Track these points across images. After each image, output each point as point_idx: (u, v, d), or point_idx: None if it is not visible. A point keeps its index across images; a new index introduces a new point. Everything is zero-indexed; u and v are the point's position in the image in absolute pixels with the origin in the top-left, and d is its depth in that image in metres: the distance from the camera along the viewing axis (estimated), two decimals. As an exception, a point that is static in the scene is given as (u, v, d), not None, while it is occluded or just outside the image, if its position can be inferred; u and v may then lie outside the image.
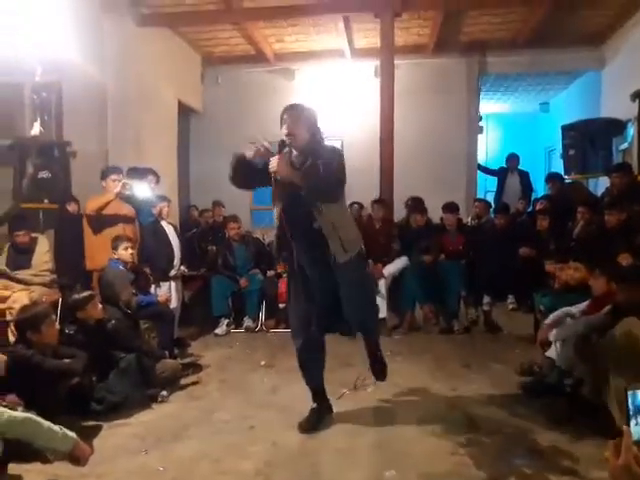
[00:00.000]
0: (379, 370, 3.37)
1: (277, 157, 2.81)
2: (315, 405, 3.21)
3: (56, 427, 2.31)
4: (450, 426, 3.13)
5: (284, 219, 2.93)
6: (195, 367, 4.35)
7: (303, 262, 2.97)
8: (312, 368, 3.20)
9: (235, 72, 7.90)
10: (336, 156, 2.91)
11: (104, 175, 4.90)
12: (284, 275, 5.83)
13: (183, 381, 4.00)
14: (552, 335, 3.58)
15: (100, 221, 4.75)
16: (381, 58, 6.01)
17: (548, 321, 3.70)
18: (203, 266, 6.18)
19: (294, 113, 2.90)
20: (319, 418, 3.18)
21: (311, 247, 2.92)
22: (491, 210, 6.79)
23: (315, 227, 2.86)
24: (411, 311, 5.58)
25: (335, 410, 3.36)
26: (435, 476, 2.55)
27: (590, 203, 5.38)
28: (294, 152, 2.93)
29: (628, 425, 1.00)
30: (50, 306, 3.69)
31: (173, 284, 5.22)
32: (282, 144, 2.89)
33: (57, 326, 3.43)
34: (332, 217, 2.88)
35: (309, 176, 2.75)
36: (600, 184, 6.94)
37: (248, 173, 2.96)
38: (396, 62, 6.06)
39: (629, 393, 1.02)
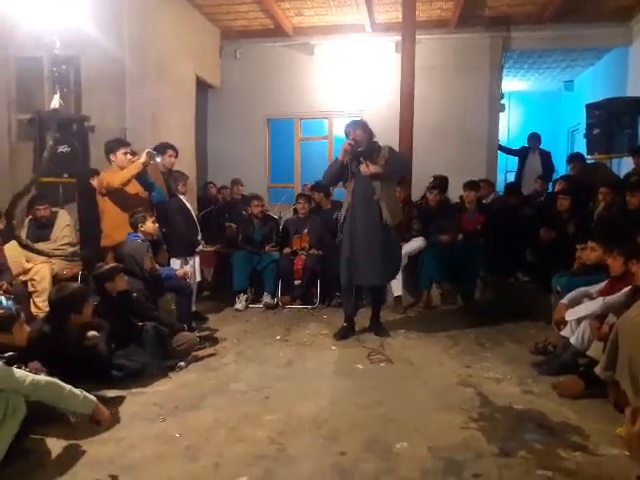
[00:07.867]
0: (381, 329, 4.61)
1: (364, 166, 4.25)
2: (346, 324, 4.59)
3: (77, 390, 2.39)
4: (462, 401, 3.16)
5: (353, 194, 4.30)
6: (212, 340, 4.44)
7: (360, 224, 4.26)
8: (349, 302, 4.58)
9: (254, 46, 7.83)
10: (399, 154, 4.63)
11: (111, 149, 4.57)
12: (300, 253, 5.88)
13: (201, 353, 4.07)
14: (568, 314, 3.57)
15: (125, 196, 4.43)
16: (402, 33, 5.88)
17: (564, 301, 3.68)
18: (220, 242, 6.24)
19: (355, 125, 4.31)
20: (347, 332, 4.53)
21: (370, 213, 4.26)
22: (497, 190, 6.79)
23: (375, 199, 4.25)
24: (428, 290, 5.60)
25: (349, 383, 3.51)
26: (445, 449, 2.57)
27: (613, 184, 5.27)
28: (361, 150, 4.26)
29: None
30: (72, 278, 3.75)
31: (197, 259, 5.30)
32: (358, 153, 4.26)
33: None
34: (385, 194, 4.28)
35: (393, 162, 4.27)
36: (623, 164, 6.79)
37: (340, 173, 4.37)
38: (418, 37, 5.93)
39: None
